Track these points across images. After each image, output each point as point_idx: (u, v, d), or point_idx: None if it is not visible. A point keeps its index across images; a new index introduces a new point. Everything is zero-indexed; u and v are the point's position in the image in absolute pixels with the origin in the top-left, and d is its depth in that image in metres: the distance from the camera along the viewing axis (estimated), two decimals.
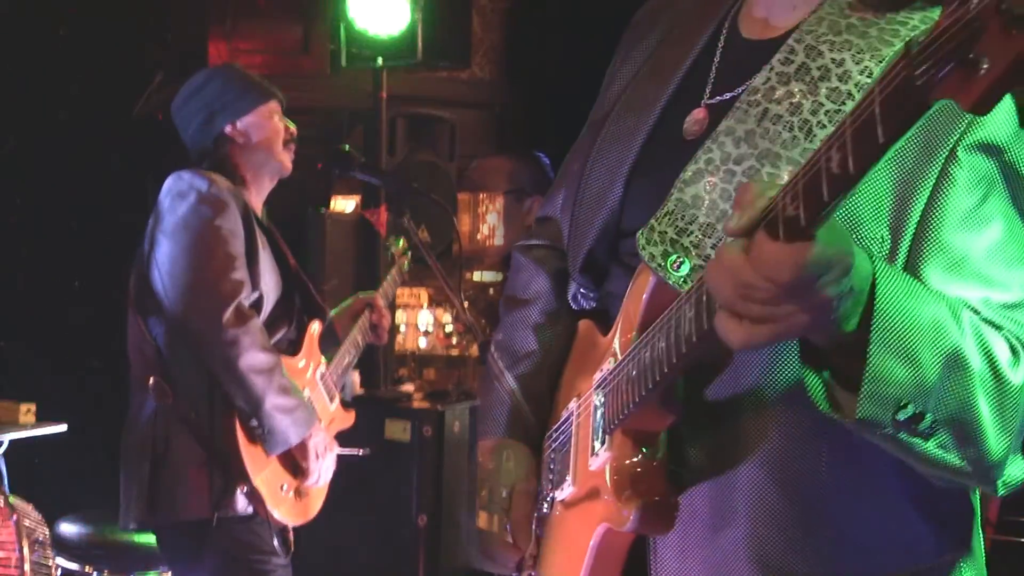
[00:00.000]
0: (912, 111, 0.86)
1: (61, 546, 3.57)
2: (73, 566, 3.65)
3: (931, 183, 1.19)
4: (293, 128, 3.11)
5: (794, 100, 1.26)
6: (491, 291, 4.65)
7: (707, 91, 1.40)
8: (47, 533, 3.32)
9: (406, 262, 3.65)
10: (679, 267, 1.27)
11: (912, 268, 1.19)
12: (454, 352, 5.03)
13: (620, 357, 1.34)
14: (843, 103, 1.22)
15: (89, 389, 4.86)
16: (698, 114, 1.38)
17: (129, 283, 3.00)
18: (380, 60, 4.60)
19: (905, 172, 1.19)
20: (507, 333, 1.66)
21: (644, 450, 1.31)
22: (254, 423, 2.82)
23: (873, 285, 1.07)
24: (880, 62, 1.22)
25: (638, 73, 1.53)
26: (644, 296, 1.32)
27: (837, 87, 1.23)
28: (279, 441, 2.86)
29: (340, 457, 3.20)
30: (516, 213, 4.18)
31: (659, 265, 1.28)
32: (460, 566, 4.31)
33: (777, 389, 1.24)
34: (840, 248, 1.00)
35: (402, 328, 4.93)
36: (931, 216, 1.19)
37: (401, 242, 3.67)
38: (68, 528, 3.70)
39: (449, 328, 5.02)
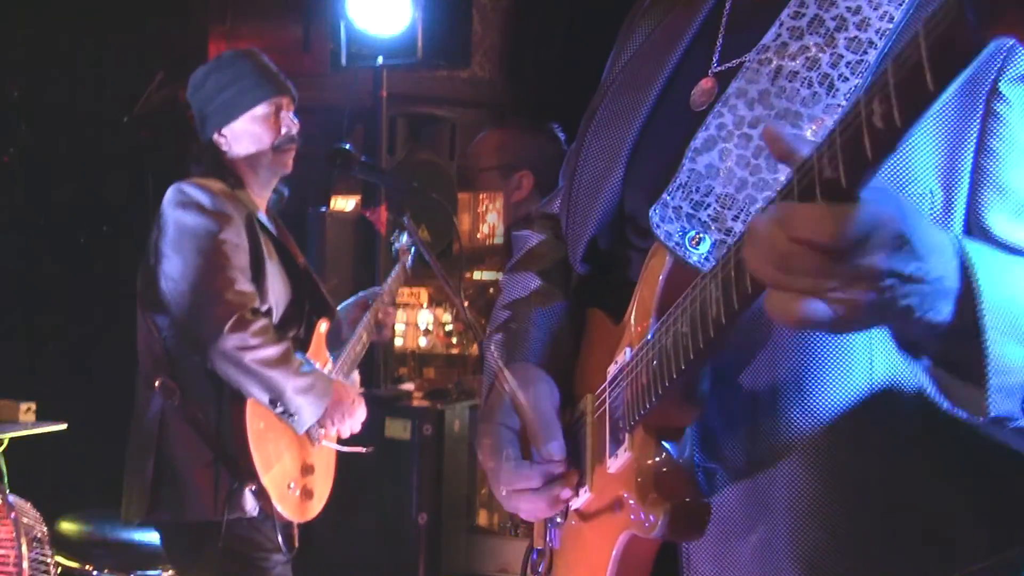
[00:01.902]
0: (965, 52, 0.76)
1: (60, 544, 3.58)
2: (72, 564, 3.65)
3: (976, 126, 1.10)
4: (294, 129, 3.06)
5: (810, 54, 1.16)
6: (491, 290, 4.65)
7: (714, 59, 1.29)
8: (46, 531, 3.32)
9: (410, 258, 3.64)
10: (698, 244, 1.16)
11: (975, 219, 1.11)
12: (454, 351, 5.03)
13: (637, 346, 1.21)
14: (865, 52, 1.14)
15: (89, 388, 4.86)
16: (705, 83, 1.28)
17: (136, 283, 3.01)
18: (380, 59, 4.60)
19: (949, 119, 1.09)
20: (507, 325, 1.53)
21: (669, 448, 1.17)
22: (280, 409, 2.86)
23: (966, 265, 0.95)
24: (900, 4, 1.14)
25: (636, 53, 1.43)
26: (660, 278, 1.19)
27: (856, 36, 1.14)
28: (305, 420, 2.92)
29: (342, 455, 3.21)
30: (504, 192, 3.84)
31: (676, 243, 1.17)
32: (460, 565, 4.31)
33: (818, 374, 1.14)
34: (888, 211, 0.87)
35: (402, 327, 4.93)
36: (985, 161, 1.10)
37: (405, 238, 3.67)
38: (67, 526, 3.71)
39: (449, 327, 5.02)
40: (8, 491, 3.28)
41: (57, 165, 5.30)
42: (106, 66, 5.30)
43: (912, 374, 1.13)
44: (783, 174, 1.10)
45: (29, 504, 3.31)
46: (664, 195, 1.20)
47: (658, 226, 1.19)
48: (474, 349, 4.69)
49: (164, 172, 3.04)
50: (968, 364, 0.98)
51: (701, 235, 1.17)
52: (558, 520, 1.42)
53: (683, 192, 1.19)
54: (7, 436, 3.69)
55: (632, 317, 1.25)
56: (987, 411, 0.97)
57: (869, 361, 1.13)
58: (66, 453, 4.34)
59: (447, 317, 4.97)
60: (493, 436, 1.38)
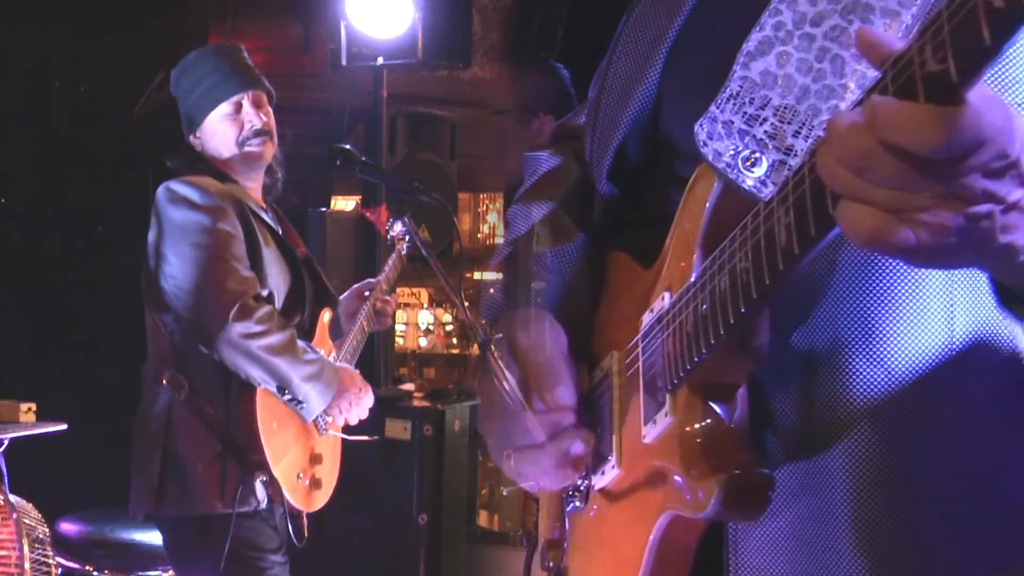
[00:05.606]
0: None
1: (61, 545, 3.58)
2: (73, 565, 3.65)
3: None
4: (258, 122, 3.02)
5: None
6: (491, 291, 4.65)
7: None
8: (47, 532, 3.32)
9: (405, 246, 3.64)
10: (753, 165, 0.98)
11: None
12: (454, 351, 5.04)
13: (679, 290, 1.02)
14: None
15: (89, 388, 4.86)
16: None
17: (140, 280, 3.02)
18: (381, 59, 4.60)
19: None
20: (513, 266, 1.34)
21: (719, 410, 0.99)
22: (288, 397, 2.87)
23: None
24: None
25: None
26: (708, 206, 1.00)
27: None
28: (314, 408, 2.93)
29: (347, 445, 3.23)
30: (520, 138, 3.54)
31: (727, 164, 0.99)
32: (461, 566, 4.31)
33: (889, 322, 0.99)
34: (998, 122, 0.71)
35: (402, 327, 4.94)
36: None
37: (399, 226, 3.66)
38: (68, 527, 3.71)
39: (449, 327, 5.03)
40: (9, 492, 3.28)
41: (57, 165, 5.30)
42: (106, 66, 5.30)
43: (1000, 332, 0.99)
44: (852, 79, 0.95)
45: (31, 505, 3.32)
46: (712, 107, 1.02)
47: (705, 144, 1.01)
48: (474, 349, 4.69)
49: (164, 172, 3.04)
50: None
51: (757, 155, 0.98)
52: (577, 505, 1.24)
53: (734, 104, 1.01)
54: (8, 436, 3.69)
55: (670, 255, 1.07)
56: None
57: (949, 312, 0.99)
58: (66, 453, 4.34)
59: (447, 317, 4.98)
60: (492, 392, 1.20)
